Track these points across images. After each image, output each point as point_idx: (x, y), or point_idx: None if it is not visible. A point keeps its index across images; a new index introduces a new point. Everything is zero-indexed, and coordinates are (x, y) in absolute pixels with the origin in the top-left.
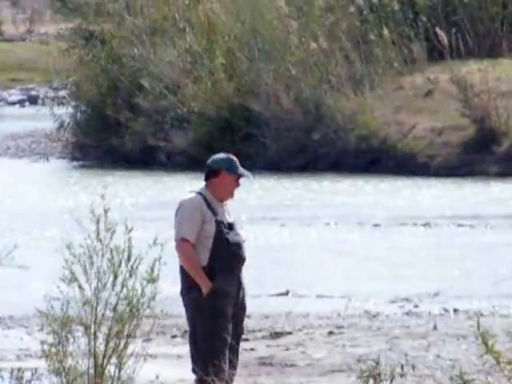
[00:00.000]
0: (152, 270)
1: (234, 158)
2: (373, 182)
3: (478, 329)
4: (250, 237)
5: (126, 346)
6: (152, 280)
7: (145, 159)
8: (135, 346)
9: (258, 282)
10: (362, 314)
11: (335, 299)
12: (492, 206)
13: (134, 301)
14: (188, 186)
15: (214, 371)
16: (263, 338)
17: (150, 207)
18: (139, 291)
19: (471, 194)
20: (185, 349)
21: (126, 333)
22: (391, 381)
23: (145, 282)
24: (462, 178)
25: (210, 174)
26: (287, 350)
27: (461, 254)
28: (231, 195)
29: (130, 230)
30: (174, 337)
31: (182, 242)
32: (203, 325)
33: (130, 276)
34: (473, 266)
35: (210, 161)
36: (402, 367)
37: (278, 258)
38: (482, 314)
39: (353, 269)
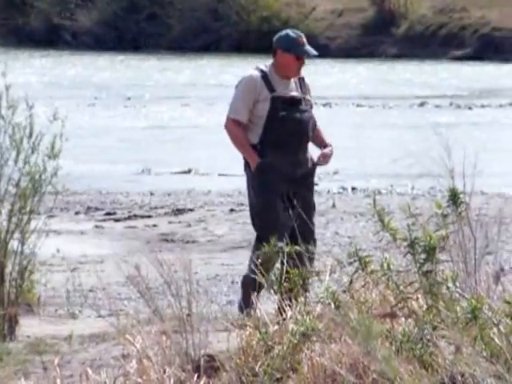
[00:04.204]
0: (53, 146)
1: (293, 36)
2: None
3: (375, 206)
4: (153, 116)
5: (28, 222)
6: (53, 156)
7: (50, 38)
8: (38, 222)
9: (160, 161)
10: None
11: (236, 177)
12: (390, 86)
13: (37, 177)
14: (92, 64)
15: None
16: (165, 214)
17: (55, 86)
18: (41, 167)
19: (370, 75)
20: (87, 225)
21: (28, 208)
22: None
23: (46, 158)
24: (361, 59)
25: (273, 52)
26: (189, 226)
27: (359, 133)
28: (295, 74)
29: (31, 107)
30: (77, 213)
31: (228, 121)
32: (253, 199)
33: (32, 152)
34: (371, 146)
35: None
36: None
37: (181, 137)
38: (379, 192)
39: None
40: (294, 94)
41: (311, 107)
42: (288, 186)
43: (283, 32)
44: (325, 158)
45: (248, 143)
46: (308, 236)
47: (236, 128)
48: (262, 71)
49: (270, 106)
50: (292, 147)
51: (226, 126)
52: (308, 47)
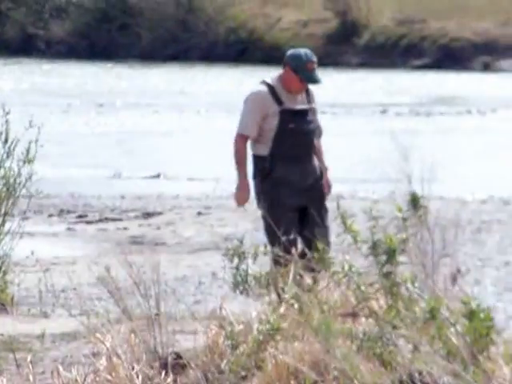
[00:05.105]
0: (28, 151)
1: (304, 60)
2: (241, 71)
3: (338, 208)
4: (124, 122)
5: (3, 224)
6: (29, 161)
7: (24, 47)
8: (12, 224)
9: (130, 165)
10: (229, 195)
11: (204, 182)
12: (352, 94)
13: (11, 181)
14: (65, 72)
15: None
16: (135, 217)
17: (29, 93)
18: (16, 171)
19: (333, 83)
20: (60, 227)
21: (3, 211)
22: (254, 258)
23: (21, 163)
24: (325, 68)
25: (283, 64)
26: (158, 229)
27: (322, 139)
28: (297, 92)
29: (8, 113)
30: (50, 216)
31: (237, 136)
32: (264, 213)
33: (8, 157)
34: (334, 152)
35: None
36: (266, 246)
37: (151, 143)
38: (342, 197)
39: (222, 153)
40: (301, 106)
41: (315, 115)
42: (299, 197)
43: (297, 51)
44: (329, 189)
45: (245, 164)
46: (322, 240)
47: (242, 145)
48: (268, 85)
49: (279, 119)
50: (301, 158)
51: (236, 141)
52: (314, 74)
